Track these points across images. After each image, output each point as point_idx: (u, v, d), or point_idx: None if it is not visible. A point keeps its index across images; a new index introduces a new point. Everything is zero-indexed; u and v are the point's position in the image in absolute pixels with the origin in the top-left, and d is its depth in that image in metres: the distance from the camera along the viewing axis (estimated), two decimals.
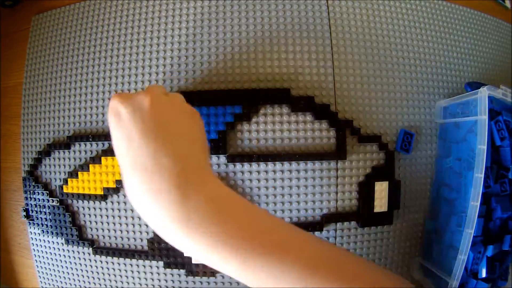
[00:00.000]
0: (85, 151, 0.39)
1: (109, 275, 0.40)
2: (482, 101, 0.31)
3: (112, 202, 0.38)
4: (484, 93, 0.31)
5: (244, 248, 0.22)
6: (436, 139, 0.40)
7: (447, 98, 0.40)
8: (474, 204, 0.31)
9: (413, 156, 0.39)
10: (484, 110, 0.31)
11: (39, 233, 0.42)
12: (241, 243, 0.22)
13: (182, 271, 0.38)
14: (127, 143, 0.24)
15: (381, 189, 0.37)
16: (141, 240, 0.38)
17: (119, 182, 0.38)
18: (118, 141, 0.25)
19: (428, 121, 0.40)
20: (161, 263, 0.38)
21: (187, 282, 0.38)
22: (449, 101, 0.38)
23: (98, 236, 0.40)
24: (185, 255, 0.37)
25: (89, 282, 0.41)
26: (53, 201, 0.40)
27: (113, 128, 0.25)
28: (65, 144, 0.40)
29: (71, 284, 0.42)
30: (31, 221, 0.42)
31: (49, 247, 0.42)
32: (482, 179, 0.30)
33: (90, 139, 0.39)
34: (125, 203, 0.38)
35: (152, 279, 0.39)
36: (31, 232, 0.43)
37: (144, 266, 0.39)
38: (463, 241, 0.32)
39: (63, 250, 0.41)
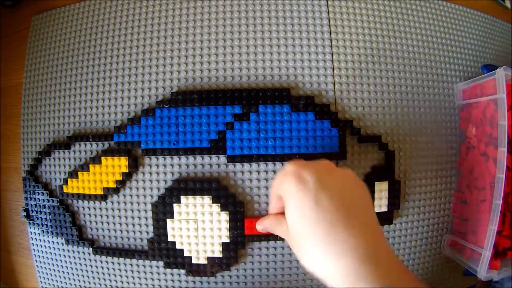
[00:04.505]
0: (85, 151, 0.39)
1: (109, 275, 0.40)
2: (500, 81, 0.34)
3: (112, 202, 0.38)
4: (501, 73, 0.34)
5: None
6: (432, 141, 0.40)
7: (444, 100, 0.40)
8: (497, 202, 0.32)
9: (413, 156, 0.39)
10: (503, 89, 0.33)
11: (39, 233, 0.42)
12: None
13: (182, 271, 0.38)
14: (315, 211, 0.25)
15: (381, 189, 0.37)
16: (141, 240, 0.38)
17: (119, 182, 0.38)
18: (300, 208, 0.25)
19: (428, 121, 0.40)
20: (161, 263, 0.38)
21: (187, 282, 0.38)
22: (468, 82, 0.40)
23: (98, 236, 0.40)
24: None
25: (89, 282, 0.41)
26: (53, 201, 0.40)
27: (294, 194, 0.26)
28: (65, 144, 0.40)
29: (71, 284, 0.42)
30: (31, 221, 0.42)
31: (49, 247, 0.42)
32: (506, 153, 0.32)
33: (90, 139, 0.39)
34: (125, 203, 0.38)
35: (152, 279, 0.39)
36: (31, 232, 0.43)
37: (144, 266, 0.39)
38: (487, 239, 0.33)
39: (63, 250, 0.41)
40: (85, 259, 0.40)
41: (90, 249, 0.39)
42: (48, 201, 0.41)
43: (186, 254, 0.37)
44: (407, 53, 0.40)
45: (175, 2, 0.39)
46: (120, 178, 0.38)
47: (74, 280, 0.41)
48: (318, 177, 0.26)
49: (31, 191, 0.42)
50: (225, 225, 0.36)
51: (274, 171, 0.36)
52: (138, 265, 0.39)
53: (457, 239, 0.39)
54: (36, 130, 0.42)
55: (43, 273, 0.43)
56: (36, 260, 0.44)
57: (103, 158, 0.38)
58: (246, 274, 0.38)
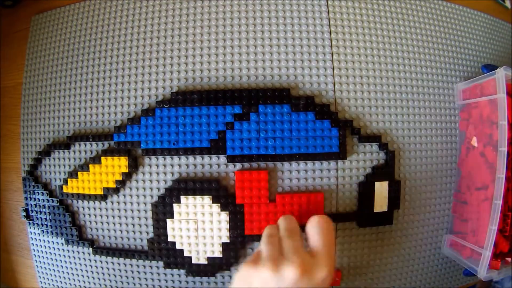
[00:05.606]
0: (85, 151, 0.39)
1: (109, 275, 0.40)
2: (500, 80, 0.34)
3: (112, 202, 0.38)
4: (501, 73, 0.34)
5: None
6: (432, 141, 0.40)
7: (444, 100, 0.40)
8: (497, 202, 0.32)
9: (413, 156, 0.39)
10: (503, 89, 0.33)
11: (39, 233, 0.42)
12: None
13: (182, 271, 0.38)
14: None
15: (381, 189, 0.37)
16: (141, 240, 0.38)
17: (119, 182, 0.38)
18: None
19: (428, 121, 0.40)
20: (161, 263, 0.38)
21: (187, 282, 0.38)
22: (468, 82, 0.39)
23: (98, 236, 0.40)
24: None
25: (89, 282, 0.41)
26: (53, 201, 0.40)
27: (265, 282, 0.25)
28: (65, 144, 0.40)
29: (71, 284, 0.42)
30: (31, 221, 0.42)
31: (49, 247, 0.42)
32: (506, 152, 0.32)
33: (90, 139, 0.39)
34: (125, 203, 0.38)
35: (152, 279, 0.39)
36: (31, 232, 0.43)
37: (144, 266, 0.39)
38: (487, 239, 0.33)
39: (63, 250, 0.41)
40: (85, 259, 0.40)
41: (90, 249, 0.39)
42: (48, 201, 0.41)
43: (186, 254, 0.37)
44: (407, 53, 0.40)
45: (175, 2, 0.39)
46: (120, 178, 0.38)
47: (74, 280, 0.41)
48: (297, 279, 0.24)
49: (31, 191, 0.42)
50: (225, 225, 0.36)
51: (274, 171, 0.36)
52: (138, 265, 0.39)
53: (457, 239, 0.39)
54: (36, 130, 0.42)
55: (43, 273, 0.43)
56: (36, 260, 0.44)
57: (103, 158, 0.38)
58: None
